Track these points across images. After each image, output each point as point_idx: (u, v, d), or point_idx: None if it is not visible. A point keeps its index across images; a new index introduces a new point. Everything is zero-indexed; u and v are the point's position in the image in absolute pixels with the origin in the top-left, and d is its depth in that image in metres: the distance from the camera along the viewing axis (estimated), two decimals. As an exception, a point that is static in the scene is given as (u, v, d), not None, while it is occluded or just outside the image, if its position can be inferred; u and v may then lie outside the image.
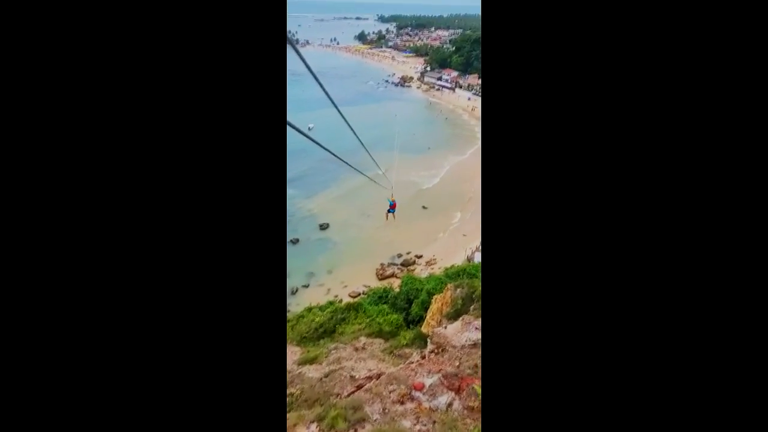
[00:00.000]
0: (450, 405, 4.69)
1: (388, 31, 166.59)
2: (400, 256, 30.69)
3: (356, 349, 9.03)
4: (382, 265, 29.29)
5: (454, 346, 6.12)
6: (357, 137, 5.06)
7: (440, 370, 5.35)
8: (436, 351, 6.21)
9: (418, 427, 4.45)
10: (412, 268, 29.11)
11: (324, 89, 3.57)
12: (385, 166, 33.87)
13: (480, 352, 5.57)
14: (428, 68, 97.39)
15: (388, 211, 14.90)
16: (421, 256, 30.65)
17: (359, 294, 25.02)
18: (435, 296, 11.56)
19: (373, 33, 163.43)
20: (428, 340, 6.90)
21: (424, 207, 36.96)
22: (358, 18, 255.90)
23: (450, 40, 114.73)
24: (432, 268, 28.13)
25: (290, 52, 2.36)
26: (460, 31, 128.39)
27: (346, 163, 5.50)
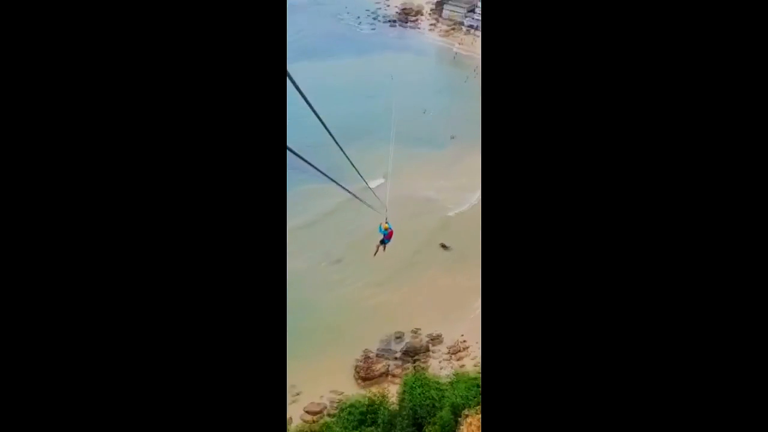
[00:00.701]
0: None
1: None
2: (400, 337, 29.10)
3: None
4: (366, 354, 27.81)
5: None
6: (323, 124, 5.39)
7: None
8: None
9: None
10: (422, 360, 27.49)
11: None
12: (378, 170, 33.04)
13: None
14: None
15: (381, 242, 15.78)
16: (438, 338, 29.06)
17: (324, 409, 24.22)
18: (466, 415, 11.98)
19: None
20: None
21: (444, 246, 35.85)
22: None
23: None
24: (461, 361, 26.98)
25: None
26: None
27: (315, 167, 5.60)
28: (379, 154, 30.55)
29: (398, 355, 28.38)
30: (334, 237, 35.35)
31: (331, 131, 5.63)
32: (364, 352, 28.05)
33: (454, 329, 29.61)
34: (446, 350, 28.69)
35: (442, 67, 73.44)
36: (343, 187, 9.12)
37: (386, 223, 15.16)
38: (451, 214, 39.56)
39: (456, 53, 75.29)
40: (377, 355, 28.09)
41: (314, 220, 36.75)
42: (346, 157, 7.51)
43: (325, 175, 6.56)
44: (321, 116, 5.35)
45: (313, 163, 5.50)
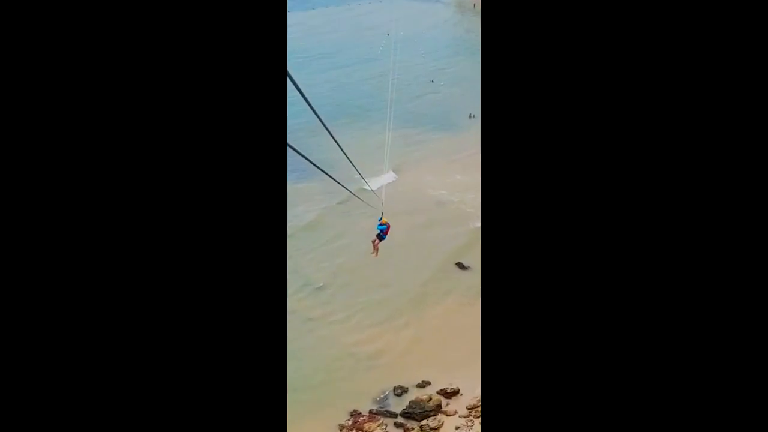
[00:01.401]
0: None
1: None
2: (402, 392, 24.65)
3: None
4: (354, 416, 23.42)
5: None
6: (303, 96, 5.28)
7: None
8: None
9: None
10: (433, 425, 23.41)
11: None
12: (375, 160, 29.45)
13: None
14: None
15: (379, 237, 16.67)
16: (456, 393, 24.73)
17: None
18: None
19: None
20: None
21: (461, 266, 30.58)
22: None
23: None
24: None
25: None
26: None
27: (305, 157, 5.97)
28: (377, 139, 26.53)
29: (398, 417, 24.29)
30: (316, 256, 30.31)
31: (317, 110, 5.55)
32: (351, 414, 23.84)
33: (472, 379, 24.34)
34: (464, 409, 24.51)
35: (450, 18, 65.48)
36: (345, 187, 9.63)
37: (384, 218, 16.39)
38: (475, 226, 32.01)
39: (475, 1, 66.10)
40: (370, 416, 24.02)
41: (290, 234, 30.90)
42: (351, 162, 8.19)
43: (327, 173, 6.75)
44: (301, 87, 5.12)
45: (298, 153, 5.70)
